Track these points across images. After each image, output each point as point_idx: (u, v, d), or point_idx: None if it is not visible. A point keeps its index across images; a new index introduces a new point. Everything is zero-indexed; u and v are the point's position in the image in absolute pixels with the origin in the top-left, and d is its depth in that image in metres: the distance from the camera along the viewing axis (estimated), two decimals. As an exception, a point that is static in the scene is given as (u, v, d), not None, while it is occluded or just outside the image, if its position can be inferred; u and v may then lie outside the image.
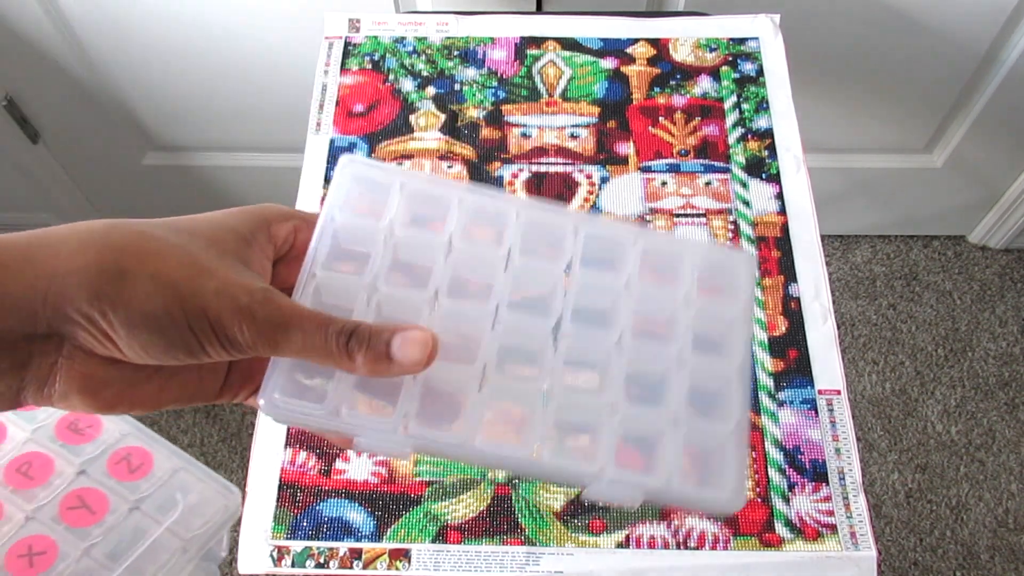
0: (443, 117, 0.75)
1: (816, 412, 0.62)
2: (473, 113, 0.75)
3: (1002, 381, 1.37)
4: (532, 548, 0.57)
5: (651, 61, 0.79)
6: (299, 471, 0.59)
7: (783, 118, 0.75)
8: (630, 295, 0.36)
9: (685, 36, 0.80)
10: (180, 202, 1.41)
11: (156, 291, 0.29)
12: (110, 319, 0.29)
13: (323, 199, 0.34)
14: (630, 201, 0.72)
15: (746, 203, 0.71)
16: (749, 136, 0.75)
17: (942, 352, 1.40)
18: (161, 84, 1.17)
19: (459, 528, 0.57)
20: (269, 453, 0.60)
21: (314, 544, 0.57)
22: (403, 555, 0.56)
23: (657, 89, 0.77)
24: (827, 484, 0.59)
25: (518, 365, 0.34)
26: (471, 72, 0.78)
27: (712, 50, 0.79)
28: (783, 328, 0.65)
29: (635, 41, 0.80)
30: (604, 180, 0.73)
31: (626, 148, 0.74)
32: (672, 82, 0.78)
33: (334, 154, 0.73)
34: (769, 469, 0.60)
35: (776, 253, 0.69)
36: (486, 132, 0.74)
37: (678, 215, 0.71)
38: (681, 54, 0.79)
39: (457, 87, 0.77)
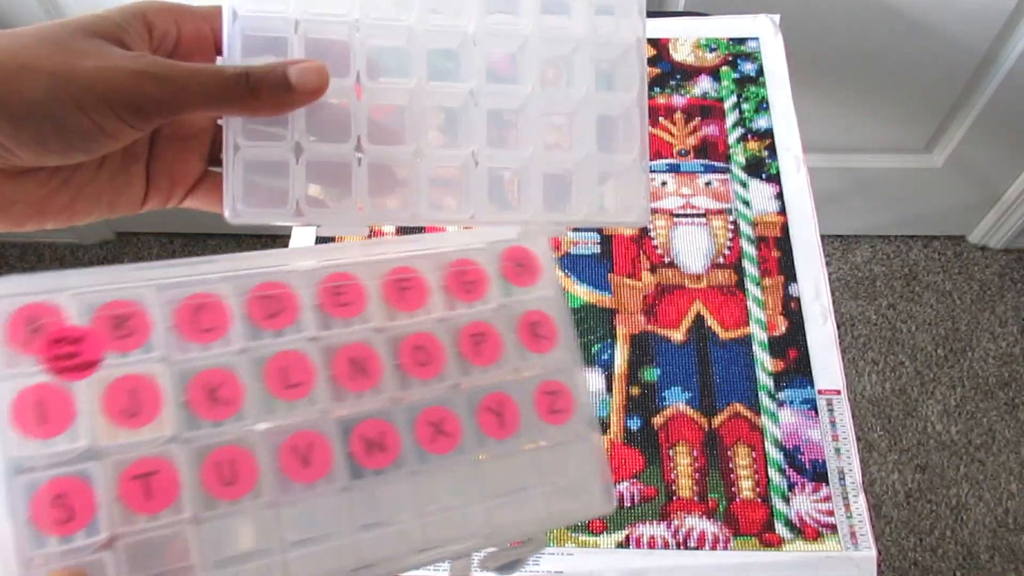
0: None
1: (816, 412, 0.62)
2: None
3: (1002, 381, 1.37)
4: (532, 548, 0.57)
5: (651, 61, 0.79)
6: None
7: (783, 118, 0.75)
8: (536, 43, 0.37)
9: (685, 36, 0.80)
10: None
11: (33, 81, 0.28)
12: None
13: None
14: (630, 201, 0.72)
15: (746, 203, 0.71)
16: (749, 136, 0.75)
17: (942, 352, 1.40)
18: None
19: (459, 528, 0.57)
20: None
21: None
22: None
23: (657, 89, 0.77)
24: (827, 484, 0.59)
25: (443, 133, 0.37)
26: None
27: (712, 50, 0.79)
28: (783, 328, 0.65)
29: (635, 41, 0.80)
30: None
31: (626, 148, 0.74)
32: (672, 82, 0.78)
33: None
34: (769, 469, 0.60)
35: (776, 253, 0.69)
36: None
37: (678, 215, 0.71)
38: (681, 54, 0.79)
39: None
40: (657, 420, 0.62)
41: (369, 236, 0.70)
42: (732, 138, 0.75)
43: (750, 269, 0.68)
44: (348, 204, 0.34)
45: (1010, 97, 1.17)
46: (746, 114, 0.76)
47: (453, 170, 0.36)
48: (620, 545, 0.57)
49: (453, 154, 0.36)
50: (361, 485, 0.33)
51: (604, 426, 0.61)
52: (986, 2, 1.04)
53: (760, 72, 0.78)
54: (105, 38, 0.30)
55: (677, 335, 0.66)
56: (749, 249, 0.69)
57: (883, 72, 1.16)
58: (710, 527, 0.58)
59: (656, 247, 0.70)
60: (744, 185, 0.72)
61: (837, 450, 0.60)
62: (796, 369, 0.63)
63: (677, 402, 0.63)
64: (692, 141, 0.75)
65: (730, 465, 0.60)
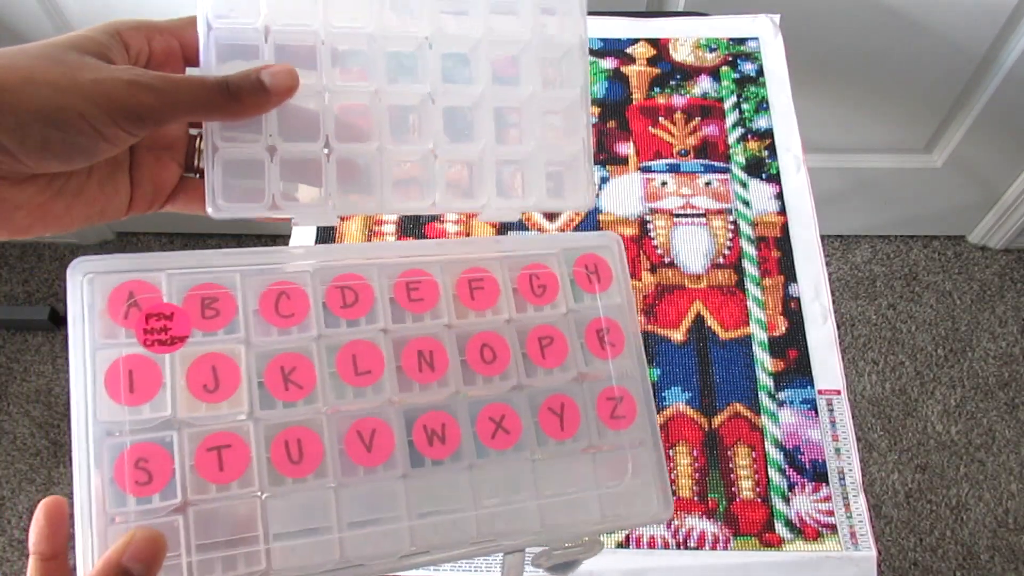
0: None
1: (816, 412, 0.62)
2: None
3: (1002, 381, 1.37)
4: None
5: (651, 61, 0.79)
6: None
7: (783, 118, 0.75)
8: (486, 46, 0.39)
9: (685, 36, 0.80)
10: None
11: (38, 92, 0.30)
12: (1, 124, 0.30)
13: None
14: (630, 201, 0.72)
15: (746, 203, 0.71)
16: (749, 136, 0.75)
17: (942, 352, 1.40)
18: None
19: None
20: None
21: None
22: (403, 555, 0.57)
23: (657, 89, 0.77)
24: (827, 484, 0.59)
25: (405, 131, 0.38)
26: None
27: (712, 50, 0.80)
28: (783, 328, 0.65)
29: (635, 41, 0.80)
30: (604, 180, 0.73)
31: (626, 148, 0.74)
32: (672, 82, 0.78)
33: None
34: (769, 469, 0.60)
35: (776, 253, 0.69)
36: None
37: (678, 215, 0.71)
38: (681, 54, 0.80)
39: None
40: (657, 420, 0.62)
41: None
42: (732, 138, 0.75)
43: (750, 269, 0.68)
44: (319, 198, 0.36)
45: (1010, 97, 1.17)
46: (746, 114, 0.76)
47: (415, 164, 0.38)
48: (620, 545, 0.57)
49: (414, 149, 0.38)
50: (420, 473, 0.35)
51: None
52: (986, 2, 1.04)
53: (760, 72, 0.78)
54: (94, 55, 0.33)
55: (677, 335, 0.66)
56: (749, 249, 0.69)
57: (883, 72, 1.16)
58: (710, 527, 0.58)
59: (656, 247, 0.70)
60: (744, 185, 0.72)
61: (837, 450, 0.60)
62: (796, 369, 0.64)
63: (677, 402, 0.63)
64: (692, 141, 0.75)
65: (730, 465, 0.60)
